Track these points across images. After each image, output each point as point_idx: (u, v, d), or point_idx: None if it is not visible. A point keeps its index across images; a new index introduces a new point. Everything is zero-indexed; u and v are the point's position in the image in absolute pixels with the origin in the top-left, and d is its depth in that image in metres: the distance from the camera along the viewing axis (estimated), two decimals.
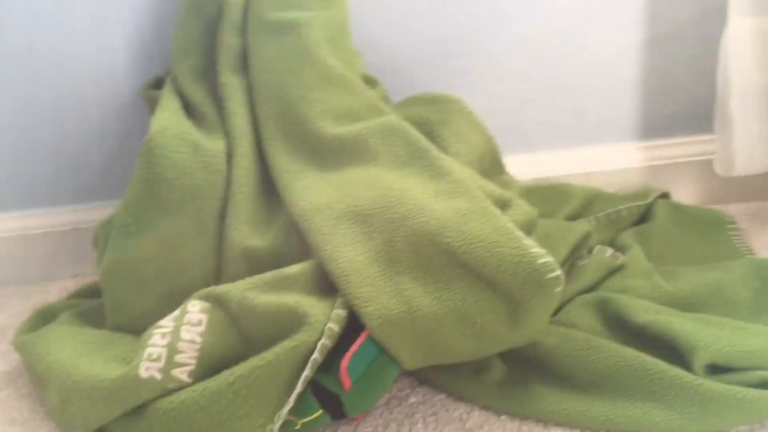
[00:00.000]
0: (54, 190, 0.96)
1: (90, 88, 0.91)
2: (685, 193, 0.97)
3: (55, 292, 0.94)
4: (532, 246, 0.58)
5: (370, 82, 0.82)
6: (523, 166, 0.94)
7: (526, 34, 0.93)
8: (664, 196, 0.95)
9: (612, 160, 0.97)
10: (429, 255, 0.60)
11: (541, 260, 0.58)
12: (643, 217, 0.91)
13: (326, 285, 0.62)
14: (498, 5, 0.91)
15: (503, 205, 0.67)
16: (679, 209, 0.91)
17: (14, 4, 0.87)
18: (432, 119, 0.76)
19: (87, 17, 0.88)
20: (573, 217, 0.90)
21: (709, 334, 0.61)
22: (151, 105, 0.85)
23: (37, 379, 0.69)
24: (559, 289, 0.58)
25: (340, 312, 0.59)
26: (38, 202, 0.96)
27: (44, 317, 0.76)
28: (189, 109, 0.78)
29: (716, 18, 0.86)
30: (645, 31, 0.92)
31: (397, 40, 0.92)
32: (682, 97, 0.95)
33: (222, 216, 0.70)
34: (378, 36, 0.91)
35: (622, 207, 0.90)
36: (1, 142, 0.93)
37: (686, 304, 0.69)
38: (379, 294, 0.59)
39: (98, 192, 0.96)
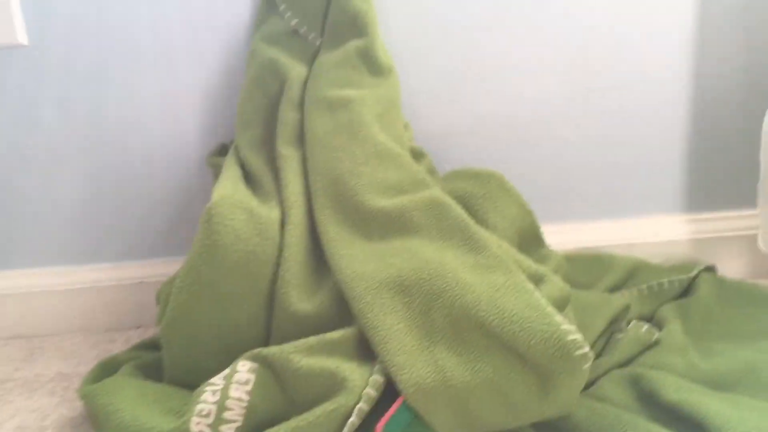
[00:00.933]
0: (122, 247, 1.03)
1: (159, 152, 0.99)
2: (730, 268, 0.97)
3: (120, 341, 1.00)
4: (562, 323, 0.61)
5: (417, 154, 0.87)
6: (567, 235, 0.96)
7: (570, 112, 0.96)
8: (710, 269, 0.96)
9: (656, 232, 0.99)
10: (464, 327, 0.63)
11: (570, 337, 0.60)
12: (687, 289, 0.92)
13: (366, 351, 0.65)
14: (542, 81, 0.95)
15: (538, 280, 0.70)
16: (723, 284, 0.92)
17: (85, 72, 0.95)
18: (473, 193, 0.79)
19: (157, 86, 0.96)
20: (615, 288, 0.92)
21: (738, 417, 0.62)
22: (215, 171, 0.92)
23: (97, 427, 0.74)
24: (587, 365, 0.61)
25: (377, 378, 0.63)
26: (108, 257, 1.03)
27: (108, 369, 0.82)
28: (248, 177, 0.84)
29: (761, 98, 0.88)
30: (691, 106, 0.95)
31: (445, 112, 0.96)
32: (727, 172, 0.97)
33: (274, 280, 0.75)
34: (427, 108, 0.96)
35: (665, 280, 0.91)
36: (74, 200, 1.00)
37: (720, 383, 0.70)
38: (414, 362, 0.62)
39: (163, 249, 1.02)
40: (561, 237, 0.92)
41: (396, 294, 0.67)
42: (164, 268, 1.01)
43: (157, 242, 1.02)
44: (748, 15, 0.91)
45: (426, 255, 0.69)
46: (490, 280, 0.66)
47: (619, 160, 0.98)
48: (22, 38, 0.94)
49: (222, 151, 0.96)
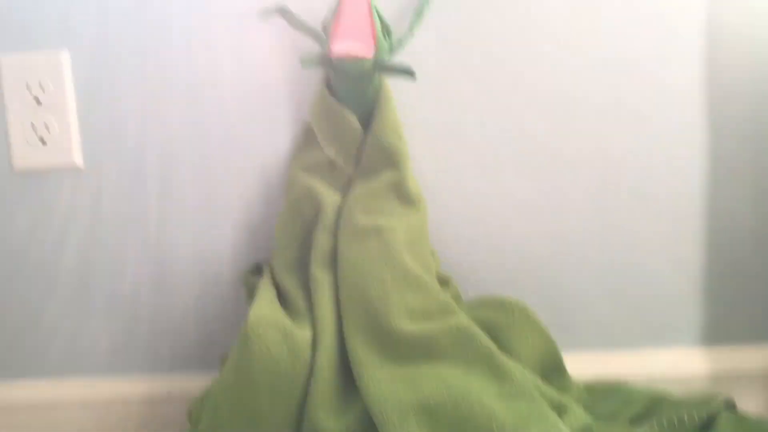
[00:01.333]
0: (153, 359, 1.06)
1: (194, 268, 1.03)
2: (751, 403, 0.98)
3: None
4: None
5: (443, 281, 0.91)
6: (585, 365, 0.98)
7: (589, 245, 1.01)
8: (729, 403, 0.97)
9: (674, 365, 1.01)
10: None
11: None
12: (707, 424, 0.92)
13: None
14: (563, 216, 1.00)
15: (561, 410, 0.72)
16: (743, 421, 0.92)
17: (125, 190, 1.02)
18: (498, 322, 0.83)
19: (196, 203, 1.02)
20: (635, 420, 0.92)
21: None
22: (248, 290, 0.96)
23: None
24: None
25: None
26: (137, 368, 1.06)
27: None
28: (281, 297, 0.88)
29: None
30: (706, 238, 0.99)
31: (471, 243, 1.01)
32: (746, 305, 1.00)
33: (304, 400, 0.77)
34: (454, 238, 1.01)
35: (684, 414, 0.92)
36: (104, 309, 1.04)
37: None
38: None
39: (192, 363, 1.05)
40: (579, 366, 0.94)
41: (422, 418, 0.70)
42: (193, 383, 1.03)
43: (188, 356, 1.05)
44: (759, 149, 0.97)
45: (452, 381, 0.72)
46: (514, 408, 0.68)
47: (636, 290, 1.01)
48: (78, 161, 1.01)
49: (256, 270, 1.00)
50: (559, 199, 1.00)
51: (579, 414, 0.73)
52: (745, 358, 1.00)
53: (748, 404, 0.98)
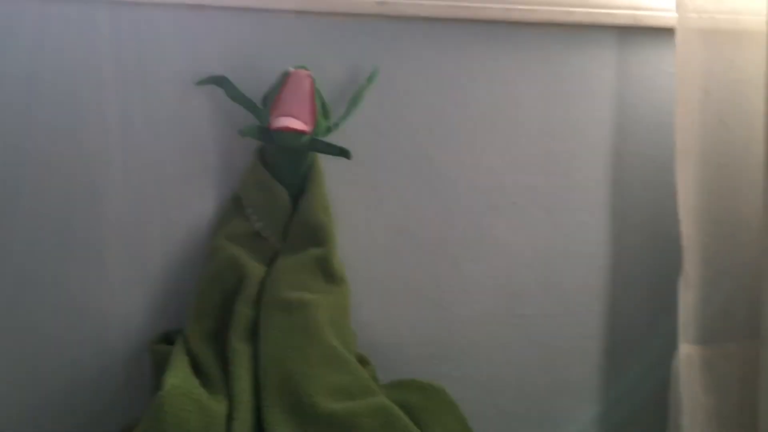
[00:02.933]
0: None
1: (98, 337, 0.98)
2: None
3: None
4: None
5: (362, 361, 0.91)
6: None
7: (499, 336, 1.04)
8: None
9: None
10: None
11: None
12: None
13: None
14: (475, 305, 1.03)
15: None
16: None
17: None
18: (418, 405, 0.83)
19: (108, 270, 0.98)
20: None
21: None
22: (155, 359, 0.92)
23: None
24: None
25: None
26: None
27: None
28: (196, 368, 0.85)
29: (668, 340, 0.98)
30: (604, 340, 1.05)
31: (389, 324, 1.02)
32: (640, 407, 1.05)
33: None
34: (372, 319, 1.01)
35: None
36: (12, 378, 0.97)
37: None
38: None
39: None
40: None
41: None
42: None
43: (87, 425, 0.98)
44: (655, 263, 1.05)
45: None
46: None
47: (542, 386, 1.05)
48: None
49: (164, 339, 0.96)
50: (475, 284, 1.03)
51: None
52: None
53: None
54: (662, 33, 1.01)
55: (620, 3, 1.01)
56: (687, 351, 0.94)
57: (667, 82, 1.03)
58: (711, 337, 0.96)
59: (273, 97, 0.91)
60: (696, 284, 0.95)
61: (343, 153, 0.93)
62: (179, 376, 0.78)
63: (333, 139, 0.96)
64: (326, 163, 0.97)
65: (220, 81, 0.96)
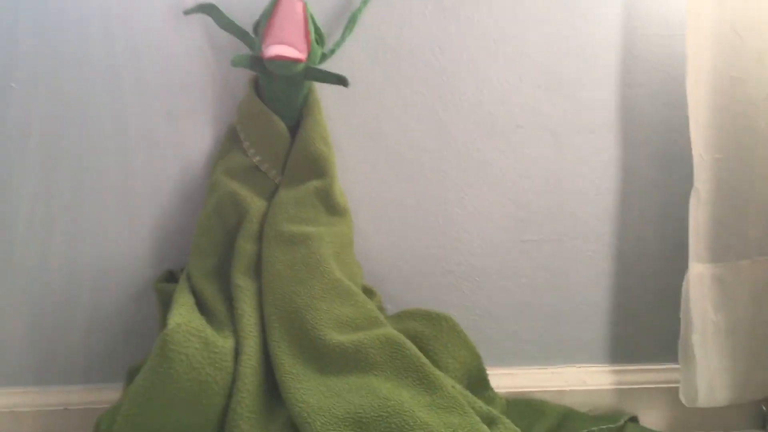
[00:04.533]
0: (47, 370, 0.98)
1: (106, 273, 0.97)
2: (653, 419, 1.02)
3: None
4: None
5: (368, 292, 0.90)
6: (500, 380, 0.99)
7: (508, 261, 1.03)
8: (633, 419, 1.01)
9: (583, 381, 1.04)
10: None
11: None
12: None
13: None
14: (484, 232, 1.02)
15: (490, 421, 0.72)
16: None
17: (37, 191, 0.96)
18: (426, 334, 0.83)
19: (112, 205, 0.97)
20: None
21: None
22: (161, 297, 0.91)
23: None
24: None
25: None
26: (28, 381, 0.98)
27: None
28: (200, 305, 0.84)
29: (680, 259, 0.96)
30: (615, 263, 1.03)
31: (395, 254, 1.01)
32: (651, 326, 1.04)
33: (226, 411, 0.73)
34: (378, 250, 1.00)
35: (593, 428, 0.95)
36: (11, 323, 0.97)
37: None
38: None
39: (92, 375, 0.98)
40: (494, 381, 0.95)
41: (353, 430, 0.68)
42: (90, 396, 0.97)
43: (87, 367, 0.98)
44: (664, 184, 1.03)
45: (383, 392, 0.71)
46: (446, 421, 0.67)
47: (551, 309, 1.04)
48: None
49: (169, 277, 0.96)
50: (483, 215, 1.01)
51: (509, 426, 0.73)
52: (649, 377, 1.05)
53: (650, 420, 1.02)
54: None
55: None
56: (697, 269, 0.93)
57: None
58: (722, 255, 0.94)
59: (264, 24, 0.88)
60: (707, 201, 0.93)
61: (340, 80, 0.90)
62: (183, 314, 0.77)
63: (329, 66, 0.93)
64: (323, 91, 0.94)
65: (208, 9, 0.92)
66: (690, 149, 0.92)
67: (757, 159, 0.92)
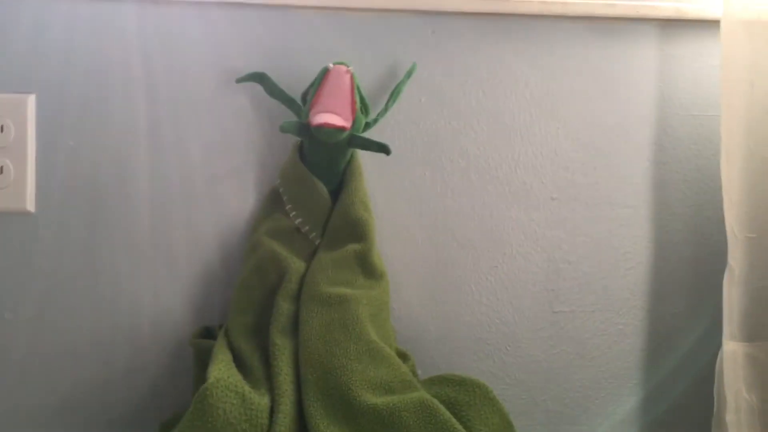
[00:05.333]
0: (84, 421, 0.99)
1: (143, 331, 0.99)
2: None
3: None
4: None
5: (402, 356, 0.91)
6: None
7: (539, 332, 1.03)
8: None
9: None
10: None
11: None
12: None
13: None
14: (516, 302, 1.03)
15: None
16: None
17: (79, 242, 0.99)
18: (459, 400, 0.83)
19: (151, 265, 1.00)
20: None
21: None
22: (197, 353, 0.93)
23: None
24: None
25: None
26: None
27: None
28: (238, 362, 0.86)
29: (712, 337, 0.96)
30: (645, 336, 1.04)
31: (428, 319, 1.02)
32: (682, 403, 1.04)
33: None
34: (412, 315, 1.02)
35: None
36: (48, 374, 0.99)
37: None
38: None
39: (126, 430, 0.99)
40: None
41: None
42: None
43: (126, 422, 0.99)
44: (698, 260, 1.03)
45: None
46: None
47: (580, 382, 1.04)
48: (31, 206, 0.98)
49: (205, 333, 0.97)
50: (516, 285, 1.03)
51: None
52: None
53: None
54: (705, 25, 1.00)
55: None
56: (731, 348, 0.93)
57: (711, 76, 1.01)
58: (756, 334, 0.94)
59: (313, 93, 0.92)
60: (741, 280, 0.93)
61: (382, 148, 0.93)
62: (223, 369, 0.79)
63: (372, 134, 0.96)
64: (365, 159, 0.98)
65: (260, 78, 0.96)
66: (723, 227, 0.93)
67: None
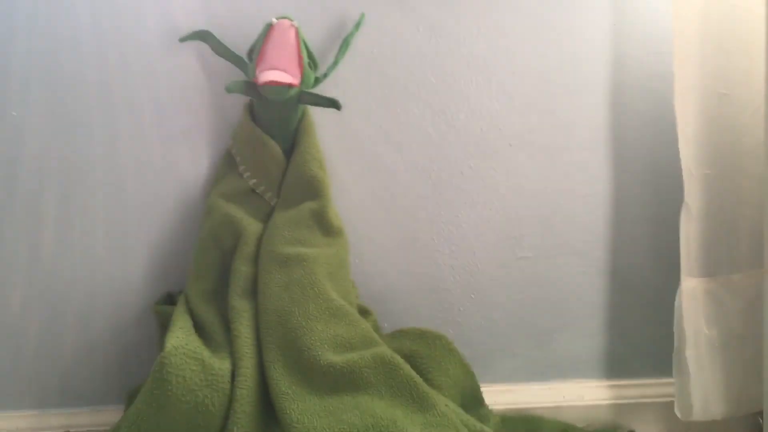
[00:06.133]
0: (47, 393, 0.99)
1: (101, 296, 0.99)
2: None
3: None
4: None
5: (364, 312, 0.91)
6: (497, 396, 1.00)
7: (502, 278, 1.04)
8: None
9: (580, 396, 1.04)
10: None
11: None
12: None
13: None
14: (477, 250, 1.03)
15: None
16: None
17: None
18: (420, 353, 0.84)
19: (107, 228, 0.98)
20: None
21: None
22: (160, 319, 0.93)
23: None
24: None
25: None
26: (25, 403, 0.99)
27: None
28: (198, 327, 0.85)
29: (673, 274, 0.97)
30: (609, 278, 1.04)
31: (391, 274, 1.02)
32: (644, 341, 1.05)
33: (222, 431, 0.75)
34: (374, 270, 1.01)
35: None
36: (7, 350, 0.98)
37: None
38: None
39: (93, 398, 0.99)
40: (492, 397, 0.96)
41: None
42: (91, 418, 0.98)
43: (86, 390, 0.99)
44: (655, 200, 1.04)
45: (376, 411, 0.72)
46: None
47: (546, 324, 1.05)
48: None
49: (168, 299, 0.97)
50: (476, 233, 1.03)
51: None
52: (644, 391, 1.05)
53: None
54: None
55: None
56: (690, 284, 0.93)
57: (664, 12, 1.00)
58: (714, 269, 0.95)
59: (258, 50, 0.90)
60: (697, 216, 0.94)
61: (333, 104, 0.91)
62: (180, 337, 0.79)
63: (322, 89, 0.94)
64: (317, 115, 0.96)
65: (204, 36, 0.94)
66: (680, 165, 0.93)
67: (745, 174, 0.94)
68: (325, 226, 0.92)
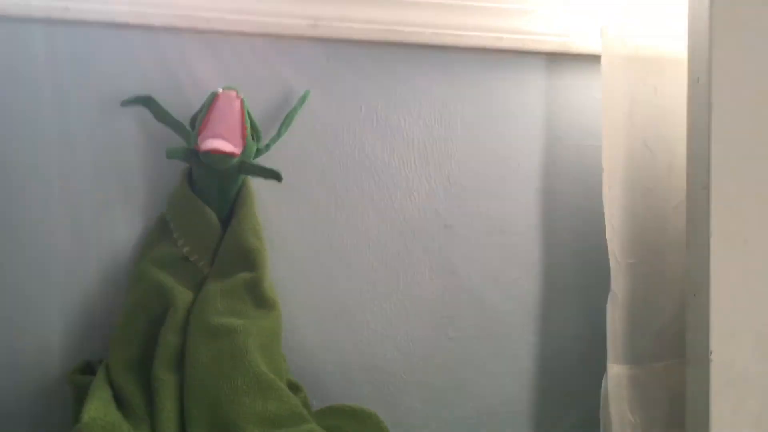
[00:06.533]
0: None
1: (13, 368, 0.93)
2: None
3: None
4: None
5: (294, 388, 0.89)
6: None
7: (434, 359, 1.03)
8: None
9: None
10: None
11: None
12: None
13: None
14: (409, 330, 1.03)
15: None
16: None
17: None
18: (350, 431, 0.82)
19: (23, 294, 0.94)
20: None
21: None
22: (75, 391, 0.88)
23: None
24: None
25: None
26: None
27: None
28: (119, 398, 0.81)
29: (599, 361, 0.99)
30: (535, 360, 1.06)
31: (323, 349, 1.00)
32: (569, 427, 1.06)
33: None
34: (306, 344, 1.00)
35: None
36: None
37: None
38: None
39: None
40: None
41: None
42: None
43: None
44: (585, 286, 1.07)
45: None
46: None
47: (474, 408, 1.04)
48: None
49: (85, 368, 0.92)
50: (408, 305, 1.03)
51: None
52: None
53: None
54: (589, 59, 1.03)
55: (549, 30, 1.03)
56: (615, 371, 0.95)
57: (595, 107, 1.05)
58: (639, 357, 0.98)
59: (201, 119, 0.90)
60: (623, 305, 0.97)
61: (274, 175, 0.92)
62: (99, 408, 0.75)
63: (264, 161, 0.95)
64: (258, 185, 0.96)
65: (146, 101, 0.93)
66: (607, 254, 0.97)
67: (667, 264, 0.98)
68: (259, 297, 0.90)
